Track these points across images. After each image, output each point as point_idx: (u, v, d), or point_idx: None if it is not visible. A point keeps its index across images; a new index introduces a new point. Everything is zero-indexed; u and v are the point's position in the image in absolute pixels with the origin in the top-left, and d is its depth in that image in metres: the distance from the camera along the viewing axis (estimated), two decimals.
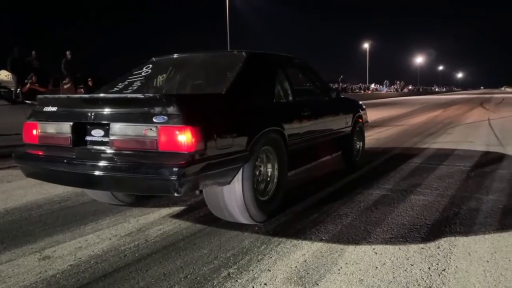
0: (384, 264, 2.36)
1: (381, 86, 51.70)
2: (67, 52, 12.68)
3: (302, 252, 2.55)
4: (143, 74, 3.58)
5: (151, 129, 2.30)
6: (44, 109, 2.77)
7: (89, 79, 15.72)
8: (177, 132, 2.24)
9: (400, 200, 3.65)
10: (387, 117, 13.53)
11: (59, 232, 3.00)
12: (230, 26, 28.62)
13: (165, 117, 2.28)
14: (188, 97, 2.85)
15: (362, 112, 4.91)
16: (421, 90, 67.84)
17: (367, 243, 2.68)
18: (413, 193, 3.88)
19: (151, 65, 3.72)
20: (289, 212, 3.33)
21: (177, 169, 2.19)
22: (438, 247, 2.60)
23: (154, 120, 2.29)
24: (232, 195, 2.68)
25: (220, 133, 2.45)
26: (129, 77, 3.54)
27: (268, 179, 3.09)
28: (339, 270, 2.30)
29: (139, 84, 3.45)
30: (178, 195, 2.30)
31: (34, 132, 2.78)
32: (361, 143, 4.97)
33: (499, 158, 5.67)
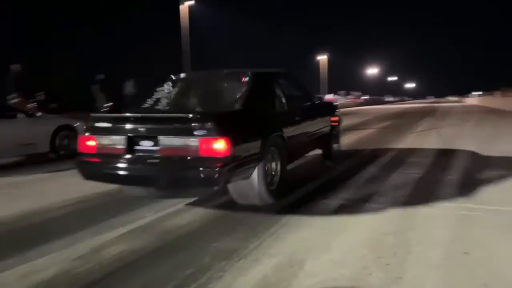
0: (342, 275, 2.37)
1: (337, 96, 53.15)
2: (13, 66, 12.08)
3: (262, 267, 2.52)
4: (166, 91, 4.35)
5: (193, 140, 3.04)
6: (99, 125, 3.47)
7: (42, 93, 15.08)
8: (214, 142, 2.99)
9: (359, 209, 3.72)
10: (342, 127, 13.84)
11: (4, 257, 2.79)
12: (190, 37, 28.46)
13: (204, 130, 3.01)
14: (220, 114, 3.40)
15: (337, 112, 6.12)
16: (375, 99, 70.35)
17: (327, 254, 2.69)
18: (370, 202, 3.96)
19: (171, 83, 4.47)
20: (251, 225, 3.29)
21: (217, 169, 2.95)
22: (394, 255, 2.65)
23: (195, 133, 3.03)
24: (251, 186, 3.47)
25: (243, 141, 3.25)
26: (154, 94, 4.32)
27: (273, 173, 3.85)
28: (299, 283, 2.28)
29: (166, 100, 4.23)
30: (218, 187, 3.33)
31: (91, 143, 3.44)
32: (338, 141, 6.17)
33: (447, 165, 5.93)
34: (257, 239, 2.99)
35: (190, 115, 3.13)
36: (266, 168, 3.64)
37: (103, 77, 13.84)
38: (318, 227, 3.26)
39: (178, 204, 4.02)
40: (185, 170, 3.12)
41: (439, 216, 3.48)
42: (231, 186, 3.54)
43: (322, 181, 5.00)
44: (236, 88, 3.98)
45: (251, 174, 3.43)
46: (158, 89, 4.37)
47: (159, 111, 4.03)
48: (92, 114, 3.60)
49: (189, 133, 3.07)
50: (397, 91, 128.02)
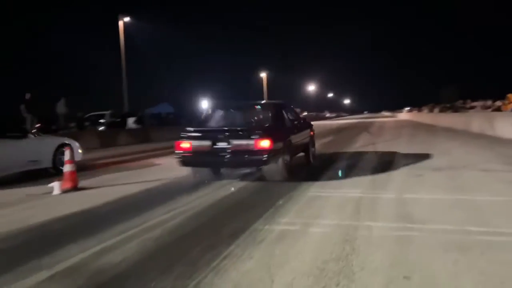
0: None
1: None
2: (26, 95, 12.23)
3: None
4: (218, 113, 7.28)
5: (251, 141, 5.55)
6: (192, 135, 6.02)
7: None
8: (263, 141, 5.46)
9: (301, 234, 3.66)
10: None
11: None
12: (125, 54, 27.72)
13: (257, 135, 5.60)
14: (264, 126, 6.15)
15: (312, 128, 8.72)
16: (314, 115, 72.61)
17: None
18: (312, 226, 3.93)
19: (218, 108, 7.58)
20: (191, 259, 3.10)
21: (265, 155, 5.50)
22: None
23: (252, 137, 5.59)
24: (277, 168, 5.96)
25: (275, 142, 5.65)
26: (212, 115, 7.21)
27: (286, 162, 6.25)
28: None
29: (222, 120, 7.02)
30: (266, 166, 5.75)
31: (187, 145, 5.93)
32: (314, 147, 8.76)
33: (385, 182, 6.11)
34: (198, 275, 2.82)
35: (247, 127, 6.14)
36: (284, 158, 6.19)
37: (29, 96, 13.08)
38: (260, 259, 3.15)
39: (108, 240, 3.73)
40: (247, 157, 5.73)
41: (379, 238, 3.51)
42: (265, 168, 6.09)
43: (265, 205, 4.93)
44: (262, 112, 7.12)
45: (278, 161, 6.00)
46: (213, 113, 7.46)
47: (219, 127, 6.65)
48: (188, 128, 6.33)
49: (248, 137, 5.76)
50: (335, 107, 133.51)
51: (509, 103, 16.70)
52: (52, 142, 8.32)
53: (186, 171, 6.90)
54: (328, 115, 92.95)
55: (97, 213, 4.90)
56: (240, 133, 5.94)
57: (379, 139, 14.74)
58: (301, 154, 8.01)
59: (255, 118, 7.06)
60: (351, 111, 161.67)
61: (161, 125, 25.30)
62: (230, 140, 5.85)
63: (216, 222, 4.28)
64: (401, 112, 68.84)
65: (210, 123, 7.01)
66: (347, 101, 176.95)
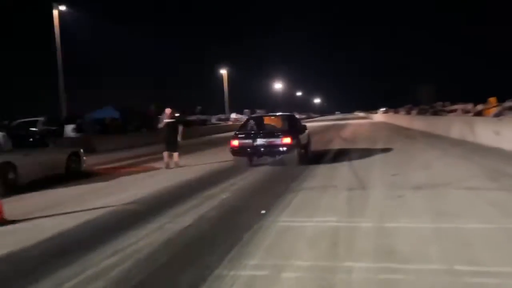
0: None
1: (241, 116, 54.14)
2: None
3: None
4: (252, 122, 12.48)
5: (279, 138, 10.61)
6: (240, 136, 11.11)
7: None
8: (286, 138, 10.48)
9: (275, 279, 3.55)
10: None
11: None
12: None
13: (281, 134, 10.76)
14: (286, 129, 11.30)
15: (307, 128, 13.39)
16: None
17: None
18: (285, 271, 3.84)
19: (252, 118, 13.57)
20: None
21: (288, 147, 10.52)
22: None
23: (279, 135, 10.72)
24: (294, 157, 10.66)
25: (293, 139, 10.59)
26: (248, 124, 12.37)
27: (298, 153, 10.93)
28: None
29: (256, 126, 12.00)
30: (289, 154, 10.64)
31: (237, 143, 10.87)
32: (310, 144, 13.34)
33: (363, 205, 6.15)
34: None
35: (277, 130, 11.52)
36: (298, 150, 10.72)
37: None
38: None
39: None
40: (275, 149, 10.52)
41: (360, 283, 3.48)
42: (285, 156, 10.60)
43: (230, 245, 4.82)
44: (285, 120, 12.08)
45: (294, 151, 10.42)
46: (249, 121, 12.50)
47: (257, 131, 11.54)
48: (236, 132, 11.46)
49: (278, 136, 10.57)
50: (305, 107, 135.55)
51: (492, 106, 17.44)
52: (65, 150, 11.31)
53: (135, 193, 6.75)
54: (297, 116, 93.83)
55: (25, 257, 4.60)
56: (273, 133, 11.06)
57: (353, 148, 14.96)
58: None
59: (278, 124, 12.33)
60: (321, 112, 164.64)
61: (105, 133, 24.61)
62: (266, 138, 10.81)
63: (172, 267, 4.10)
64: (376, 113, 70.61)
65: (248, 128, 12.12)
66: (317, 101, 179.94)
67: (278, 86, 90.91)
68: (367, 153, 13.07)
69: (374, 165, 10.30)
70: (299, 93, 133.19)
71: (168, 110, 12.33)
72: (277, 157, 11.33)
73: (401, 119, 34.58)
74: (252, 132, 11.48)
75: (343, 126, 37.89)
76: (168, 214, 6.27)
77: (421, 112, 28.14)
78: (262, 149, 10.82)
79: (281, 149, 10.68)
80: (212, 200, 7.13)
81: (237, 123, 46.96)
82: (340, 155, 12.85)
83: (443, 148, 13.38)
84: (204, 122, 38.30)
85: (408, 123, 29.02)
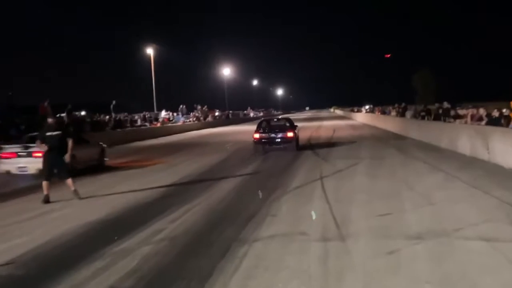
0: None
1: (175, 115, 53.54)
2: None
3: None
4: (265, 123, 25.51)
5: (286, 133, 23.20)
6: (259, 131, 23.68)
7: None
8: (290, 133, 23.16)
9: None
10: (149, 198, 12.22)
11: None
12: None
13: (288, 130, 23.87)
14: (289, 127, 24.32)
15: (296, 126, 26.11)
16: (230, 116, 73.27)
17: None
18: None
19: (263, 120, 29.43)
20: None
21: (292, 141, 23.00)
22: None
23: (286, 130, 23.65)
24: (294, 146, 23.04)
25: (294, 133, 23.37)
26: (263, 124, 25.46)
27: (296, 143, 23.76)
28: None
29: (268, 125, 25.14)
30: (290, 144, 22.82)
31: (258, 136, 22.91)
32: (298, 138, 25.25)
33: (342, 267, 6.00)
34: None
35: (284, 125, 25.08)
36: (296, 141, 23.40)
37: None
38: None
39: None
40: (287, 140, 22.49)
41: None
42: (287, 146, 22.45)
43: None
44: (286, 121, 25.95)
45: (294, 142, 22.67)
46: (263, 122, 25.50)
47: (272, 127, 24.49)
48: (257, 128, 23.66)
49: (285, 131, 23.08)
50: (266, 102, 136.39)
51: None
52: (98, 146, 18.90)
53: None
54: (252, 114, 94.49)
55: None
56: (283, 129, 22.96)
57: (329, 171, 14.94)
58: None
59: (283, 123, 24.80)
60: (284, 108, 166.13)
61: None
62: (279, 133, 22.15)
63: None
64: (360, 111, 72.04)
65: (264, 125, 23.87)
66: (279, 92, 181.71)
67: (226, 72, 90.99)
68: (347, 176, 13.07)
69: (356, 197, 10.26)
70: (255, 83, 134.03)
71: (51, 120, 11.78)
72: (283, 146, 22.13)
73: (391, 122, 35.37)
74: (268, 128, 23.29)
75: (315, 130, 38.20)
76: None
77: (420, 113, 28.69)
78: (275, 140, 21.96)
79: (287, 139, 21.91)
80: (123, 262, 6.75)
81: (168, 125, 46.31)
82: (312, 174, 12.75)
83: (449, 170, 13.58)
84: (119, 124, 37.10)
85: (401, 128, 29.74)
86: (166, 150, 25.57)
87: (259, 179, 13.86)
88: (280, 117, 30.45)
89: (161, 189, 12.47)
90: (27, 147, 15.24)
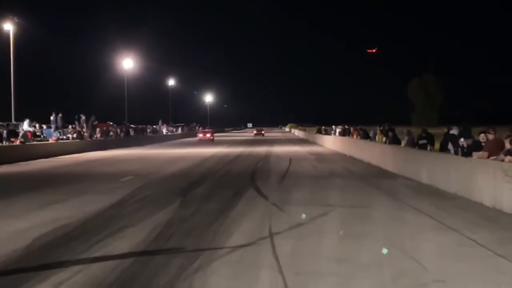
0: None
1: (45, 128, 52.81)
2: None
3: None
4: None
5: (263, 131, 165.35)
6: (253, 130, 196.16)
7: None
8: (263, 132, 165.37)
9: None
10: None
11: None
12: None
13: (263, 131, 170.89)
14: (262, 129, 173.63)
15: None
16: (132, 133, 72.86)
17: None
18: None
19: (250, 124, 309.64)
20: None
21: (264, 135, 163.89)
22: None
23: (263, 132, 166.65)
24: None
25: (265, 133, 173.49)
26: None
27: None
28: None
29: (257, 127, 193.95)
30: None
31: (254, 132, 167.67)
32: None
33: None
34: None
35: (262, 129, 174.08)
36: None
37: None
38: None
39: None
40: (263, 134, 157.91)
41: None
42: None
43: None
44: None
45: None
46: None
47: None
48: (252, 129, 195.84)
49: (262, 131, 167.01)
50: (187, 113, 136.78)
51: None
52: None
53: None
54: (165, 130, 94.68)
55: None
56: (262, 131, 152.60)
57: (283, 224, 14.84)
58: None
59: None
60: (216, 123, 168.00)
61: None
62: (261, 132, 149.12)
63: None
64: (331, 132, 71.81)
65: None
66: (208, 100, 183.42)
67: (128, 66, 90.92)
68: (311, 234, 13.03)
69: (325, 269, 10.11)
70: (171, 83, 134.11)
71: None
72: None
73: (378, 152, 35.38)
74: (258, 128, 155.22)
75: (260, 166, 38.22)
76: None
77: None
78: (259, 135, 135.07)
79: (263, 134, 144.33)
80: None
81: (34, 143, 45.12)
82: (258, 229, 12.65)
83: (462, 229, 13.65)
84: None
85: (392, 162, 29.85)
86: (14, 187, 23.86)
87: (173, 236, 13.22)
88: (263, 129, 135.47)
89: None
90: None
